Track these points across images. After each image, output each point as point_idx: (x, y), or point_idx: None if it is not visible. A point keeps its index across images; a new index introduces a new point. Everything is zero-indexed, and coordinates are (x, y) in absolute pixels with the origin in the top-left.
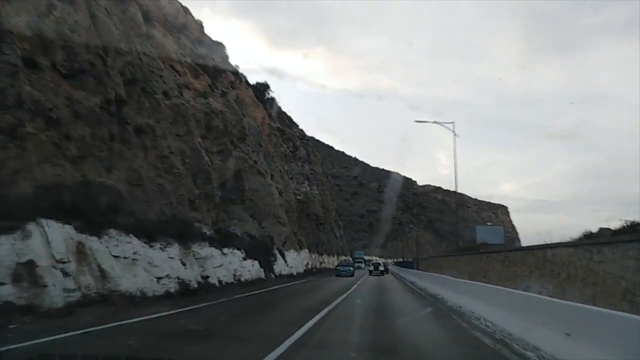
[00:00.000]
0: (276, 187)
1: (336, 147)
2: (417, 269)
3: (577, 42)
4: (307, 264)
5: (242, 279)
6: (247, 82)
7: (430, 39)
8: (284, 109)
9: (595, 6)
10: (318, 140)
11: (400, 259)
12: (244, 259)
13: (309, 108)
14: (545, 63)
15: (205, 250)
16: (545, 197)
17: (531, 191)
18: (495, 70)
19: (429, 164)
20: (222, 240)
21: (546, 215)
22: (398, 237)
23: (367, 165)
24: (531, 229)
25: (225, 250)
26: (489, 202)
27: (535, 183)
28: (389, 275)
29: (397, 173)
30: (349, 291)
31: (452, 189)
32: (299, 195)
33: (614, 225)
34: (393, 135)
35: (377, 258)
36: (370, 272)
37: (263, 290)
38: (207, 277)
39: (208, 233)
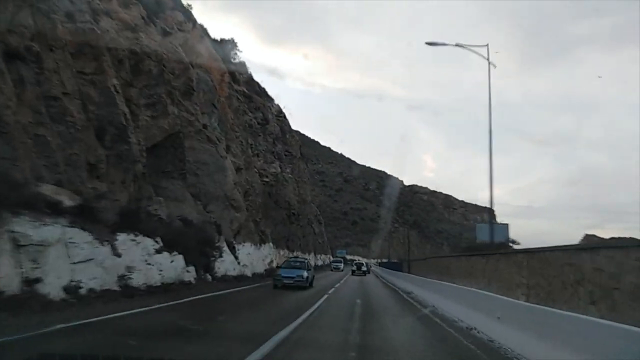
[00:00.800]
0: (233, 161)
1: (322, 143)
2: (409, 272)
3: (565, 50)
4: (271, 262)
5: (138, 282)
6: (207, 33)
7: (430, 39)
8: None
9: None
10: (304, 135)
11: (385, 260)
12: (158, 251)
13: (301, 105)
14: (535, 70)
15: (51, 231)
16: (527, 202)
17: (514, 196)
18: (485, 72)
19: (416, 166)
20: (123, 221)
21: (528, 220)
22: (384, 236)
23: (354, 162)
24: (513, 233)
25: (122, 236)
26: (476, 205)
27: (517, 188)
28: (373, 278)
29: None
30: (307, 313)
31: (439, 190)
32: (267, 176)
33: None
34: (384, 135)
35: (360, 258)
36: (353, 271)
37: (142, 309)
38: (37, 280)
39: (68, 204)
